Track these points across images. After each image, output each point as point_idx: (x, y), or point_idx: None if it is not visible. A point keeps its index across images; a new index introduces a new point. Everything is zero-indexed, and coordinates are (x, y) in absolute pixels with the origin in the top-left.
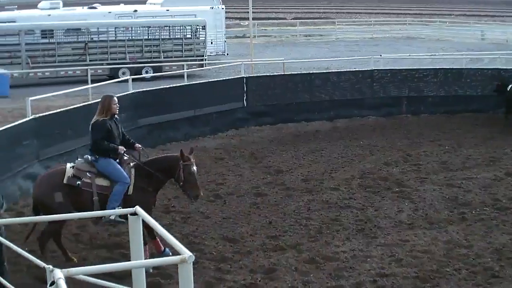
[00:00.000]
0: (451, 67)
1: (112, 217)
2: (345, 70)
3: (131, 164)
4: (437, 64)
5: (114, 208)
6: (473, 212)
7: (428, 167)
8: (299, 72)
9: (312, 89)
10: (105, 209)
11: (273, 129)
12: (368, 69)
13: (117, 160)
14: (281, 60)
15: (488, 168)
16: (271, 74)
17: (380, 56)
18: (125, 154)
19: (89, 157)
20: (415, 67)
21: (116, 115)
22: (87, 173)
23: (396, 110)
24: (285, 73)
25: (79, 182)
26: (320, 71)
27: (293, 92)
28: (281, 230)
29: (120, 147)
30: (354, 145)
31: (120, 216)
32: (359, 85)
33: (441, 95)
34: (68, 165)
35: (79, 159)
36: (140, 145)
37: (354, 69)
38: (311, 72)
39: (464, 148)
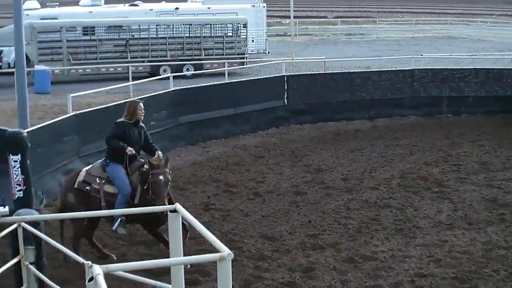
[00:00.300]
0: (492, 67)
1: (114, 227)
2: (385, 69)
3: (138, 172)
4: (478, 64)
5: (118, 219)
6: None
7: (468, 167)
8: (340, 71)
9: (352, 88)
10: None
11: (313, 127)
12: (409, 68)
13: (126, 166)
14: (322, 58)
15: None
16: (312, 72)
17: (421, 56)
18: (139, 159)
19: (102, 160)
20: (456, 67)
21: (141, 123)
22: (97, 179)
23: (437, 110)
24: (326, 71)
25: (88, 188)
26: (360, 70)
27: (334, 91)
28: (320, 229)
29: (129, 148)
30: (394, 145)
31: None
32: (400, 84)
33: (482, 95)
34: (84, 168)
35: (96, 162)
36: (160, 152)
37: (395, 69)
38: (352, 71)
39: (504, 149)
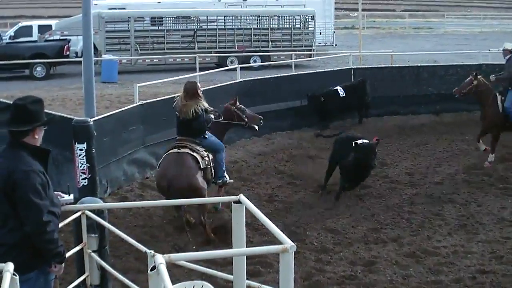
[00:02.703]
0: None
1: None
2: (453, 63)
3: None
4: None
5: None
6: None
7: None
8: (407, 65)
9: (419, 82)
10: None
11: (379, 121)
12: (476, 63)
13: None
14: (389, 52)
15: None
16: (379, 66)
17: (488, 51)
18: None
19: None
20: None
21: None
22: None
23: None
24: (393, 65)
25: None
26: (427, 64)
27: (400, 84)
28: (383, 223)
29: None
30: (459, 140)
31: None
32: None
33: None
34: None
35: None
36: None
37: (462, 63)
38: (419, 65)
39: None
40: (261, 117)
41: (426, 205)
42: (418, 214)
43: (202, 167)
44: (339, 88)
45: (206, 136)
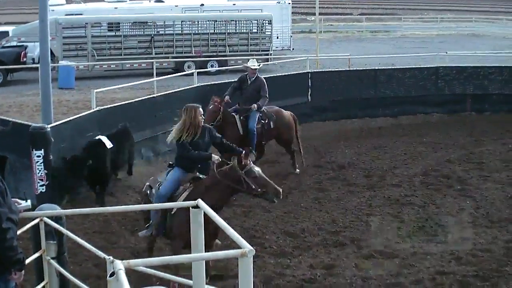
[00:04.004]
0: None
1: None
2: (410, 66)
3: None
4: (502, 62)
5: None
6: None
7: (491, 165)
8: (364, 68)
9: (376, 85)
10: None
11: (336, 124)
12: (433, 66)
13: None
14: (346, 55)
15: None
16: (336, 69)
17: (445, 53)
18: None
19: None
20: (480, 65)
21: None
22: (157, 184)
23: (460, 107)
24: (350, 68)
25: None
26: (385, 67)
27: (358, 88)
28: (342, 226)
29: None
30: (417, 142)
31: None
32: (424, 82)
33: (506, 93)
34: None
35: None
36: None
37: (419, 66)
38: (376, 68)
39: None
40: (280, 190)
41: (384, 207)
42: (377, 217)
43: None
44: (103, 138)
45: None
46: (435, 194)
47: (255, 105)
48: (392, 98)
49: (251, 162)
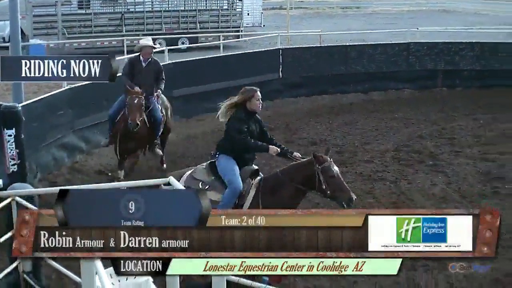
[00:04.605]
0: (487, 41)
1: None
2: (381, 42)
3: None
4: (473, 38)
5: None
6: (507, 186)
7: (462, 141)
8: (335, 44)
9: (347, 61)
10: None
11: (307, 100)
12: (404, 42)
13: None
14: (317, 32)
15: None
16: (307, 46)
17: (416, 29)
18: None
19: (212, 154)
20: (451, 41)
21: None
22: (200, 184)
23: (432, 83)
24: (321, 45)
25: None
26: (356, 43)
27: (329, 64)
28: (313, 202)
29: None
30: (388, 118)
31: None
32: (395, 58)
33: (477, 69)
34: (188, 171)
35: (202, 164)
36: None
37: (390, 42)
38: (347, 44)
39: (499, 122)
40: (353, 197)
41: (356, 183)
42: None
43: None
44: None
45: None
46: (406, 170)
47: (159, 91)
48: (363, 74)
49: (331, 159)
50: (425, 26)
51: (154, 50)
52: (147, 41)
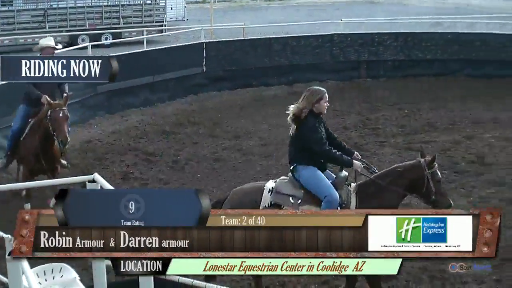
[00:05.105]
0: (411, 31)
1: None
2: (304, 34)
3: (352, 185)
4: (397, 28)
5: None
6: None
7: (387, 131)
8: (259, 37)
9: (271, 53)
10: None
11: (232, 94)
12: (328, 33)
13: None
14: (241, 25)
15: (447, 131)
16: (230, 39)
17: (340, 21)
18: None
19: (291, 167)
20: (375, 31)
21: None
22: (290, 198)
23: (356, 74)
24: (244, 38)
25: None
26: (279, 36)
27: (252, 57)
28: None
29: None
30: None
31: None
32: (319, 49)
33: (401, 59)
34: (268, 185)
35: (283, 178)
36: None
37: (314, 34)
38: (270, 36)
39: (423, 112)
40: (452, 203)
41: (281, 175)
42: None
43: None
44: None
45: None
46: None
47: (68, 95)
48: (287, 66)
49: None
50: (349, 17)
51: (56, 51)
52: (48, 41)
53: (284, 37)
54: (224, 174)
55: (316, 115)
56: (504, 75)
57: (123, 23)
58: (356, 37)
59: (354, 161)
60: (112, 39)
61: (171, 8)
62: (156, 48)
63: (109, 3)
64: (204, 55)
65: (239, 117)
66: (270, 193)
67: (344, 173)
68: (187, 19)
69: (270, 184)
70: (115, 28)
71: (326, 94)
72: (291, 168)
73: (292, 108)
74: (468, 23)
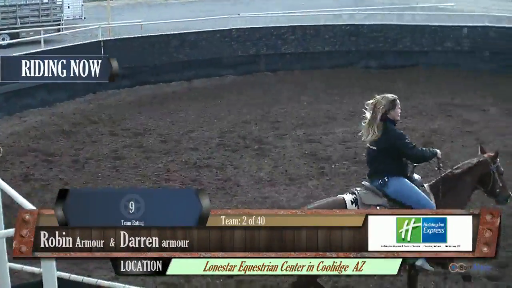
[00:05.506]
0: (308, 24)
1: (419, 263)
2: (202, 30)
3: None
4: (295, 22)
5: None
6: (333, 166)
7: (287, 124)
8: (156, 34)
9: (169, 50)
10: None
11: (130, 91)
12: (226, 28)
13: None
14: (138, 22)
15: (347, 122)
16: (128, 36)
17: (238, 15)
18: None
19: (380, 181)
20: (273, 25)
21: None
22: (378, 207)
23: (254, 68)
24: (142, 35)
25: None
26: (177, 32)
27: (150, 54)
28: None
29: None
30: (212, 105)
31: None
32: (217, 44)
33: (299, 52)
34: (348, 197)
35: (360, 189)
36: None
37: (212, 29)
38: (169, 33)
39: (323, 104)
40: (510, 194)
41: (182, 172)
42: (176, 181)
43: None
44: None
45: (386, 178)
46: (232, 155)
47: None
48: (186, 62)
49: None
50: (247, 11)
51: None
52: None
53: (182, 33)
54: (125, 172)
55: (393, 122)
56: (402, 65)
57: (20, 23)
58: (254, 31)
59: (437, 150)
60: (10, 40)
61: (68, 7)
62: (53, 47)
63: (5, 3)
64: (102, 53)
65: (138, 114)
66: (354, 205)
67: (418, 176)
68: (85, 18)
69: (348, 197)
70: (12, 28)
71: (398, 100)
72: (379, 181)
73: (367, 127)
74: (366, 15)
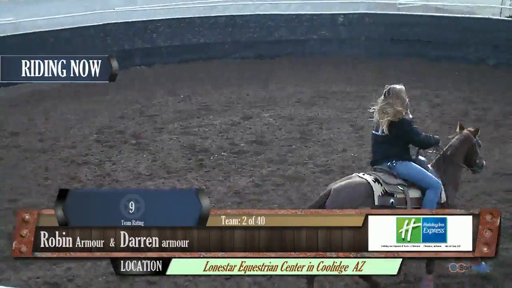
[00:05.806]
0: (183, 17)
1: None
2: (76, 26)
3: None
4: (171, 14)
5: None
6: (211, 158)
7: (164, 117)
8: (33, 31)
9: (46, 48)
10: None
11: (4, 91)
12: (101, 23)
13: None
14: (11, 20)
15: (224, 113)
16: (1, 35)
17: (113, 10)
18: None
19: (388, 164)
20: (149, 19)
21: None
22: (399, 187)
23: (130, 62)
24: (17, 33)
25: (392, 200)
26: (51, 29)
27: (25, 52)
28: (20, 193)
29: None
30: (88, 101)
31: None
32: (92, 40)
33: (175, 45)
34: (369, 178)
35: (372, 172)
36: None
37: (86, 25)
38: (45, 30)
39: (199, 96)
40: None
41: (61, 169)
42: (55, 180)
43: (377, 204)
44: None
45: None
46: (110, 151)
47: None
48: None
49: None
50: (122, 6)
51: None
52: None
53: (56, 30)
54: (2, 173)
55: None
56: (276, 55)
57: None
58: (130, 26)
59: (437, 137)
60: None
61: None
62: None
63: None
64: None
65: (15, 113)
66: (378, 183)
67: (423, 158)
68: None
69: (368, 177)
70: None
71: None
72: (388, 164)
73: (384, 110)
74: (241, 5)
